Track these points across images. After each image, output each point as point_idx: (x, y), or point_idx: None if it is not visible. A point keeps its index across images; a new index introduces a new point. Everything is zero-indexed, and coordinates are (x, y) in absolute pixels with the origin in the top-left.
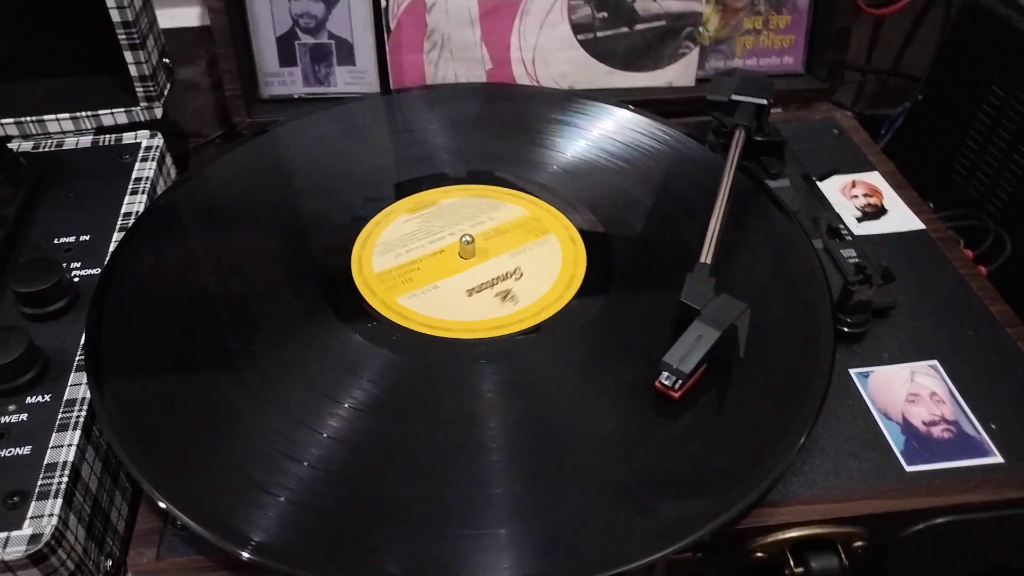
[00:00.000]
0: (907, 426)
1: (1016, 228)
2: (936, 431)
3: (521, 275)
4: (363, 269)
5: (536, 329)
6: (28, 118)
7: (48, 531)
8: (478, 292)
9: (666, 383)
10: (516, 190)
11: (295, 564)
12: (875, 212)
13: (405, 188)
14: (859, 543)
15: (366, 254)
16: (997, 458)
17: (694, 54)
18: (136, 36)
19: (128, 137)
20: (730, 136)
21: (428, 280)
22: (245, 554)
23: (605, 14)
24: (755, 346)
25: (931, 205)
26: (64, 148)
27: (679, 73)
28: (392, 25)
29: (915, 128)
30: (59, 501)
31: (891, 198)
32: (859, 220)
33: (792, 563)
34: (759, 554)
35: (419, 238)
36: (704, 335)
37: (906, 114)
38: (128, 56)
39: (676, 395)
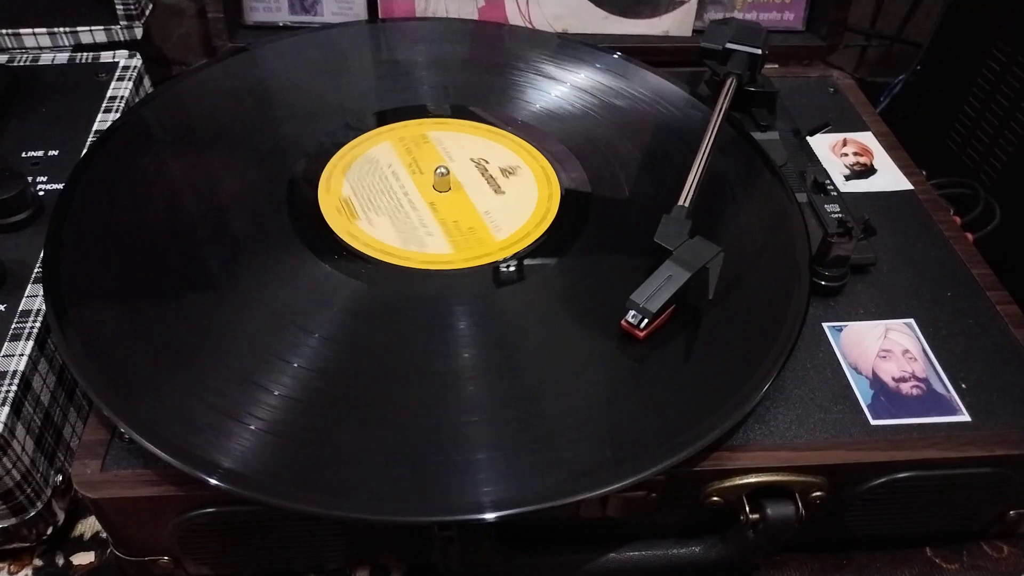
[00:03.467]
0: (876, 381)
1: (1007, 197)
2: (905, 387)
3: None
4: (332, 193)
5: (509, 261)
6: (3, 31)
7: None
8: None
9: (632, 322)
10: (494, 127)
11: (254, 488)
12: (864, 171)
13: (385, 118)
14: (817, 493)
15: (335, 183)
16: (964, 416)
17: (692, 3)
18: None
19: (106, 56)
20: (722, 85)
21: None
22: (213, 480)
23: None
24: (728, 293)
25: (924, 172)
26: (40, 63)
27: (676, 22)
28: None
29: (914, 95)
30: (6, 409)
31: (882, 158)
32: (847, 178)
33: (748, 509)
34: (715, 498)
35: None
36: (674, 275)
37: (905, 82)
38: None
39: (641, 335)
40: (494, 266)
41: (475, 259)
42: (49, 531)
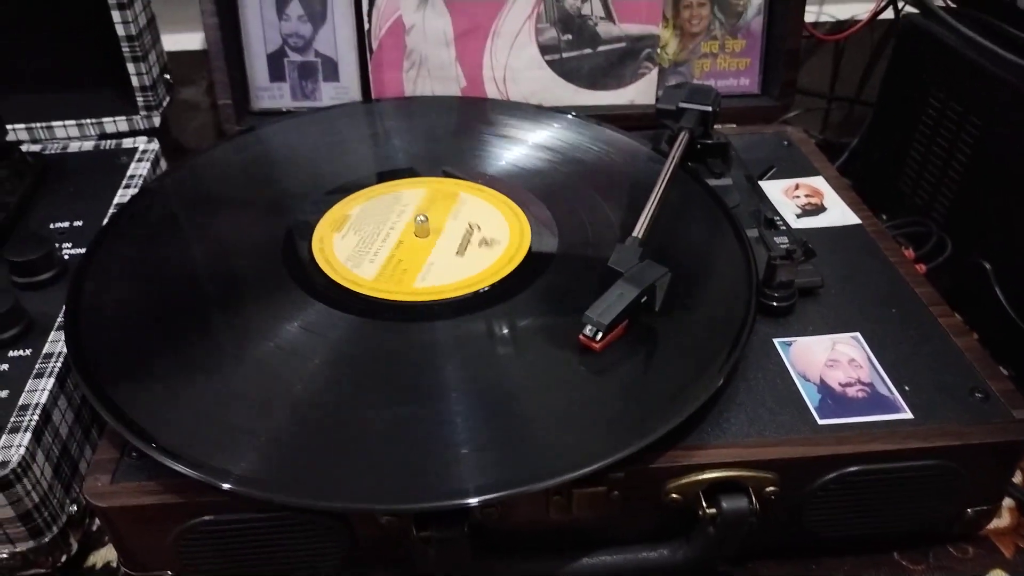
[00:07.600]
0: (823, 386)
1: (957, 230)
2: (851, 391)
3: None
4: (324, 247)
5: (486, 292)
6: (37, 124)
7: (15, 459)
8: (464, 249)
9: (588, 335)
10: (470, 182)
11: (265, 488)
12: (815, 210)
13: (384, 178)
14: (771, 488)
15: (327, 234)
16: (907, 414)
17: (653, 73)
18: (139, 49)
19: (127, 143)
20: (676, 139)
21: (420, 262)
22: (226, 485)
23: (570, 36)
24: (681, 313)
25: (884, 216)
26: (68, 151)
27: (640, 91)
28: (374, 46)
29: (868, 148)
30: (28, 435)
31: (832, 198)
32: (799, 216)
33: (705, 504)
34: (674, 495)
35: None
36: (624, 292)
37: (861, 139)
38: (131, 67)
39: (597, 347)
40: (477, 294)
41: (385, 292)
42: (63, 559)
